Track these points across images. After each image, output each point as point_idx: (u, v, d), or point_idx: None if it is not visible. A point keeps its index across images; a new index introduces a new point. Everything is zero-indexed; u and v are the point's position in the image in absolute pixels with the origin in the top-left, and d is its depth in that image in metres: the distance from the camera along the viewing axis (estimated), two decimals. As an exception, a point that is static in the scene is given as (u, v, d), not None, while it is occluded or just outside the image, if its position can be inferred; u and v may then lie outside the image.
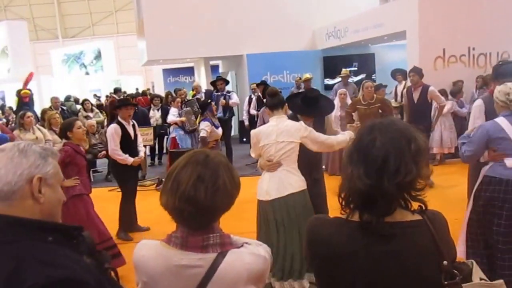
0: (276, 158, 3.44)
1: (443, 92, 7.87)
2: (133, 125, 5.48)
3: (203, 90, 11.48)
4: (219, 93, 9.28)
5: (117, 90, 13.32)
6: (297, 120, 3.73)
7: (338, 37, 11.63)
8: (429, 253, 1.18)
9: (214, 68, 15.00)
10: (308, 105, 3.82)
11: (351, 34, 10.98)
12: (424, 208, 1.25)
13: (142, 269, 1.39)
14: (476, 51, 8.61)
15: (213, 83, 9.78)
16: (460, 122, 8.02)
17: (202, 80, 13.88)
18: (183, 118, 8.06)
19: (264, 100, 7.38)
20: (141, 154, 5.53)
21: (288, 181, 3.44)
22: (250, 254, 1.36)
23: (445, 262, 1.17)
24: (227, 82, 9.86)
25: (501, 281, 1.23)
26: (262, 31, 12.18)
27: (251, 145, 3.71)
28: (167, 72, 16.90)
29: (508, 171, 3.07)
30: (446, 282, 1.16)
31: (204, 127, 6.27)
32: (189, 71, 16.28)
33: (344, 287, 1.23)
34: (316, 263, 1.29)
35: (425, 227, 1.20)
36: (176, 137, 8.04)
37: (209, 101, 7.39)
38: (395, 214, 1.20)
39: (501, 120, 3.12)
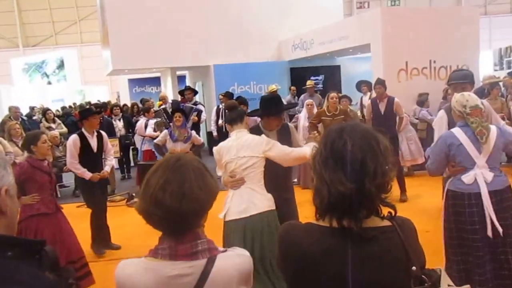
0: (239, 175, 3.21)
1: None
2: (99, 136, 5.18)
3: (170, 101, 11.34)
4: (187, 104, 9.15)
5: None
6: (260, 133, 3.56)
7: (304, 49, 11.79)
8: (399, 258, 1.19)
9: (181, 79, 14.87)
10: (266, 106, 3.68)
11: (317, 46, 11.16)
12: (393, 214, 1.27)
13: (129, 287, 1.34)
14: (437, 64, 8.91)
15: (181, 93, 9.65)
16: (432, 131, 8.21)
17: (169, 91, 13.70)
18: (158, 133, 7.93)
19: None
20: (107, 168, 5.23)
21: (251, 201, 3.18)
22: (238, 255, 1.38)
23: (414, 267, 1.18)
24: (195, 92, 9.77)
25: (468, 286, 1.25)
26: (229, 42, 12.20)
27: (216, 161, 3.51)
28: (133, 82, 16.61)
29: (467, 185, 3.10)
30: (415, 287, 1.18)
31: (160, 136, 6.09)
32: (156, 81, 16.06)
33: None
34: (289, 270, 1.29)
35: (395, 233, 1.22)
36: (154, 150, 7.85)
37: (196, 114, 7.29)
38: (367, 220, 1.21)
39: (457, 131, 3.15)
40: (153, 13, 11.88)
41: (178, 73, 14.25)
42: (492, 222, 2.99)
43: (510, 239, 3.07)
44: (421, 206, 6.14)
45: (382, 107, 6.89)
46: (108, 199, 5.96)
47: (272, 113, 3.63)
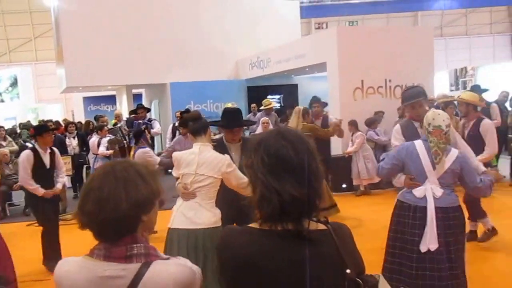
0: (192, 189, 3.24)
1: (353, 123, 7.99)
2: (52, 153, 5.19)
3: (125, 118, 10.95)
4: (140, 121, 8.81)
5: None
6: (223, 145, 3.58)
7: (261, 68, 11.68)
8: (334, 262, 1.21)
9: (137, 97, 14.49)
10: (229, 118, 3.68)
11: (274, 64, 11.06)
12: (327, 219, 1.29)
13: (65, 284, 1.35)
14: (392, 83, 8.91)
15: (133, 112, 9.32)
16: (382, 151, 8.14)
17: (124, 109, 13.27)
18: (111, 151, 7.60)
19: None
20: (58, 185, 5.18)
21: (197, 215, 3.23)
22: (176, 264, 1.33)
23: (348, 270, 1.19)
24: (148, 110, 9.47)
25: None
26: (186, 60, 12.02)
27: (174, 165, 3.47)
28: (88, 100, 16.08)
29: (416, 198, 3.18)
30: None
31: (150, 154, 5.85)
32: (111, 99, 15.59)
33: None
34: (228, 274, 1.28)
35: (329, 236, 1.23)
36: None
37: (144, 127, 7.09)
38: (305, 223, 1.23)
39: (418, 143, 3.25)
40: (109, 30, 11.67)
41: (134, 91, 13.89)
42: (431, 237, 3.07)
43: (454, 256, 3.13)
44: (378, 224, 6.02)
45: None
46: (60, 217, 5.79)
47: (235, 125, 3.65)
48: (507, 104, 9.29)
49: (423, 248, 3.09)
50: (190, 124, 3.47)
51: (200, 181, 3.22)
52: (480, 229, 5.10)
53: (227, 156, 3.31)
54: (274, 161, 1.22)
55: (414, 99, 3.78)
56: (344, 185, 8.16)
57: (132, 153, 6.12)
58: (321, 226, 1.25)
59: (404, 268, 3.19)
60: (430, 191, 3.14)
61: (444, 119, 3.18)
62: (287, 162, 1.21)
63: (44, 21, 23.18)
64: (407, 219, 3.22)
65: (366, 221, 6.33)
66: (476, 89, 7.41)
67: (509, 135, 8.53)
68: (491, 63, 16.55)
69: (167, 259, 1.36)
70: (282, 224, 1.20)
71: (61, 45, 12.39)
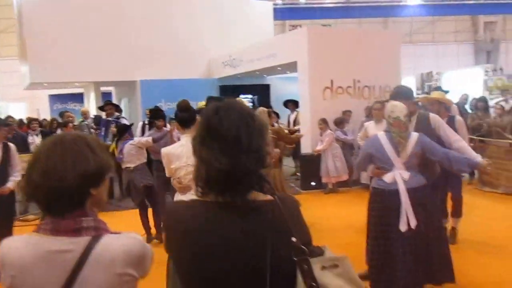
0: (186, 182, 3.18)
1: (324, 121, 8.10)
2: (5, 148, 4.88)
3: (92, 116, 10.67)
4: (109, 119, 8.53)
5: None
6: None
7: (233, 66, 11.65)
8: (280, 231, 1.21)
9: (106, 95, 14.15)
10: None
11: (246, 63, 11.05)
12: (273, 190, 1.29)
13: (10, 262, 1.28)
14: (361, 83, 9.06)
15: (101, 108, 9.06)
16: (350, 150, 8.27)
17: (92, 108, 12.96)
18: None
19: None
20: (9, 184, 4.83)
21: None
22: (127, 237, 1.32)
23: (293, 238, 1.20)
24: (116, 107, 9.21)
25: (345, 255, 1.25)
26: (157, 58, 11.85)
27: (164, 164, 3.41)
28: (54, 98, 15.61)
29: (387, 183, 3.44)
30: (296, 258, 1.19)
31: (139, 140, 5.88)
32: (78, 97, 15.21)
33: (199, 265, 1.22)
34: (172, 244, 1.29)
35: (276, 206, 1.23)
36: None
37: (131, 123, 7.08)
38: (249, 194, 1.23)
39: (381, 135, 3.54)
40: (75, 24, 11.36)
41: (103, 89, 13.57)
42: (407, 217, 3.30)
43: (435, 235, 3.42)
44: (345, 220, 6.17)
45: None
46: (21, 218, 5.57)
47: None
48: (466, 106, 9.63)
49: (402, 228, 3.31)
50: (179, 115, 3.39)
51: (191, 172, 3.13)
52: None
53: None
54: (206, 132, 1.24)
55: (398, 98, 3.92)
56: (313, 183, 8.22)
57: (115, 149, 5.91)
58: (268, 197, 1.25)
59: (386, 249, 3.42)
60: (398, 175, 3.41)
61: (402, 109, 3.46)
62: (215, 134, 1.22)
63: (6, 16, 22.38)
64: (382, 203, 3.47)
65: (333, 217, 6.41)
66: (438, 90, 7.63)
67: (469, 136, 8.82)
68: (455, 69, 17.11)
69: (119, 233, 1.34)
70: (220, 195, 1.21)
71: (24, 40, 12.00)
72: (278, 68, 10.81)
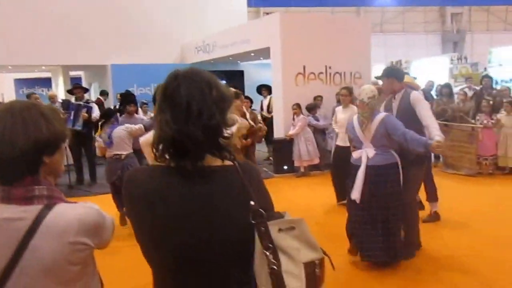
0: None
1: (298, 106, 8.23)
2: None
3: (60, 100, 10.41)
4: (80, 103, 8.34)
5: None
6: None
7: (207, 52, 11.60)
8: (238, 195, 1.23)
9: (76, 80, 13.82)
10: None
11: (219, 49, 11.02)
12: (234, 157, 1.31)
13: None
14: (333, 70, 9.21)
15: (70, 92, 8.85)
16: (321, 135, 8.45)
17: (61, 93, 12.62)
18: None
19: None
20: None
21: None
22: (82, 207, 1.31)
23: (252, 202, 1.21)
24: (85, 90, 9.02)
25: (301, 218, 1.27)
26: (129, 42, 11.67)
27: (146, 154, 3.35)
28: (20, 83, 15.11)
29: (355, 159, 3.95)
30: (253, 221, 1.21)
31: (129, 126, 5.48)
32: (46, 82, 14.77)
33: (157, 227, 1.24)
34: (132, 212, 1.29)
35: (235, 171, 1.25)
36: None
37: (86, 111, 7.02)
38: (207, 159, 1.24)
39: (355, 118, 3.98)
40: (41, 5, 10.96)
41: (72, 73, 13.26)
42: (361, 190, 3.77)
43: (388, 212, 3.80)
44: (316, 201, 6.38)
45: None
46: None
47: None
48: (432, 92, 9.96)
49: (352, 196, 3.86)
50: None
51: None
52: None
53: None
54: (162, 97, 1.24)
55: (382, 76, 4.27)
56: (285, 167, 8.36)
57: (101, 133, 5.48)
58: (228, 163, 1.27)
59: (351, 218, 4.04)
60: (364, 153, 3.84)
61: (367, 92, 3.80)
62: (170, 99, 1.23)
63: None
64: (353, 177, 3.89)
65: (304, 199, 6.58)
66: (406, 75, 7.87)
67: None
68: (423, 58, 17.58)
69: (75, 203, 1.32)
70: (173, 160, 1.23)
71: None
72: (252, 54, 10.84)
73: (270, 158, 9.37)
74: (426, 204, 5.43)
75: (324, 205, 6.20)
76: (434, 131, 3.81)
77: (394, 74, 4.24)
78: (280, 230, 1.22)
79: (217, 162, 1.26)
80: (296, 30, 8.85)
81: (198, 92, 1.22)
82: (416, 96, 4.11)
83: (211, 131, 1.23)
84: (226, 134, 1.27)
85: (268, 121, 9.05)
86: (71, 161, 7.98)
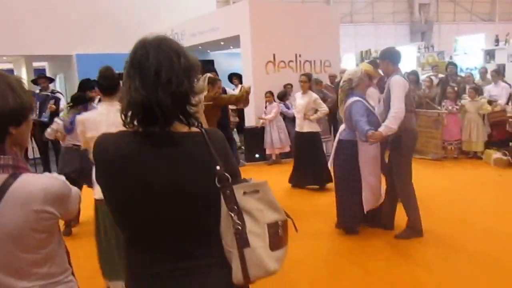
0: None
1: (271, 94, 8.24)
2: None
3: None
4: (49, 94, 8.06)
5: None
6: None
7: (176, 40, 11.39)
8: (205, 159, 1.27)
9: (40, 71, 13.34)
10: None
11: (189, 37, 10.86)
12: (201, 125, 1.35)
13: None
14: (302, 58, 9.24)
15: (34, 82, 8.57)
16: (292, 122, 8.47)
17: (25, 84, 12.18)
18: None
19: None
20: None
21: None
22: (48, 177, 1.35)
23: (218, 167, 1.26)
24: (51, 80, 8.75)
25: (265, 181, 1.32)
26: (94, 31, 11.35)
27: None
28: (-19, 74, 14.48)
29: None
30: (219, 185, 1.25)
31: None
32: (8, 73, 14.19)
33: (127, 190, 1.26)
34: (102, 177, 1.31)
35: (202, 137, 1.29)
36: None
37: (54, 102, 6.93)
38: (175, 126, 1.27)
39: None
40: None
41: (36, 64, 12.82)
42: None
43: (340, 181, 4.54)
44: (283, 186, 6.53)
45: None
46: None
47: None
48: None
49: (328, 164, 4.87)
50: (101, 82, 3.12)
51: None
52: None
53: None
54: (131, 64, 1.27)
55: (378, 58, 4.60)
56: (257, 155, 8.37)
57: (64, 117, 5.23)
58: (195, 129, 1.31)
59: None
60: (340, 129, 4.57)
61: (346, 76, 4.29)
62: (138, 66, 1.25)
63: None
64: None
65: (275, 185, 6.61)
66: (374, 63, 7.95)
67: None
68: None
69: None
70: (141, 126, 1.26)
71: None
72: (221, 43, 10.74)
73: (242, 147, 9.36)
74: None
75: (295, 190, 6.40)
76: (386, 121, 4.03)
77: (388, 57, 4.31)
78: (244, 193, 1.28)
79: (185, 129, 1.29)
80: (266, 18, 8.80)
81: (167, 60, 1.24)
82: (392, 81, 4.17)
83: (180, 98, 1.25)
84: (193, 102, 1.29)
85: (239, 110, 9.02)
86: (37, 155, 7.76)
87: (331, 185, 5.99)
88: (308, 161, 6.28)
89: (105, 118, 2.95)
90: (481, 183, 6.49)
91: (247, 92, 5.59)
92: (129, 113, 1.26)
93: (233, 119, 8.99)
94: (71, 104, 5.38)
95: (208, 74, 5.13)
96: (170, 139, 1.26)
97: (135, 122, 1.27)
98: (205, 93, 4.90)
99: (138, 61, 1.25)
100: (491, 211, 5.13)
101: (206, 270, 1.30)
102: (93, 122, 3.00)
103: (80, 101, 5.33)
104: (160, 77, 1.23)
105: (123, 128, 2.92)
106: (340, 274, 3.72)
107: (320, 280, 3.65)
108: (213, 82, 5.27)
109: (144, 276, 1.30)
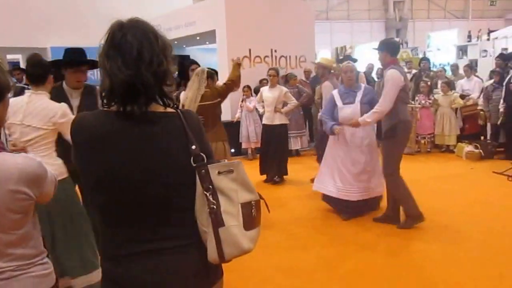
0: (22, 144, 2.71)
1: (249, 88, 8.27)
2: None
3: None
4: (23, 86, 7.89)
5: None
6: (62, 92, 3.30)
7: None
8: (180, 139, 1.31)
9: (14, 64, 13.01)
10: (69, 56, 3.39)
11: (164, 32, 10.61)
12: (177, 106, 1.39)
13: None
14: (278, 53, 9.30)
15: (9, 74, 8.34)
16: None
17: (-4, 77, 11.85)
18: None
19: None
20: None
21: None
22: (24, 157, 1.35)
23: (193, 146, 1.29)
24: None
25: (239, 161, 1.35)
26: (69, 22, 11.17)
27: None
28: (-51, 68, 14.00)
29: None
30: (194, 164, 1.29)
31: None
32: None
33: (104, 167, 1.27)
34: (79, 157, 1.31)
35: (177, 117, 1.33)
36: None
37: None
38: (152, 106, 1.31)
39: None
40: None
41: (9, 57, 12.45)
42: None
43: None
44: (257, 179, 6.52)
45: None
46: None
47: (81, 61, 3.32)
48: (373, 75, 10.32)
49: None
50: (29, 70, 2.96)
51: (26, 133, 2.78)
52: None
53: (63, 105, 2.91)
54: (109, 46, 1.29)
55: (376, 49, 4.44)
56: (232, 150, 8.35)
57: None
58: (171, 110, 1.35)
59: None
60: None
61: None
62: (119, 47, 1.27)
63: None
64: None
65: (252, 178, 6.66)
66: (348, 58, 8.07)
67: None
68: (367, 43, 18.11)
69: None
70: (122, 105, 1.28)
71: None
72: (197, 38, 10.69)
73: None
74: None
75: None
76: (367, 113, 4.22)
77: (385, 48, 4.30)
78: (219, 173, 1.30)
79: (161, 109, 1.33)
80: (242, 14, 8.82)
81: (147, 41, 1.28)
82: (388, 75, 4.15)
83: (160, 78, 1.30)
84: (168, 82, 1.33)
85: (216, 105, 8.99)
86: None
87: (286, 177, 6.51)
88: (274, 153, 6.36)
89: (25, 106, 2.81)
90: (453, 175, 6.66)
91: (239, 64, 4.99)
92: (110, 93, 1.28)
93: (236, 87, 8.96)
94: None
95: (206, 68, 4.74)
96: (147, 118, 1.28)
97: (112, 101, 1.29)
98: (203, 89, 4.55)
99: (118, 42, 1.27)
100: (463, 203, 5.28)
101: (182, 249, 1.32)
102: (12, 109, 2.74)
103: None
104: (143, 57, 1.26)
105: (41, 121, 2.83)
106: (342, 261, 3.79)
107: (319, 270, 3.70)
108: (212, 76, 4.80)
109: (119, 257, 1.30)
